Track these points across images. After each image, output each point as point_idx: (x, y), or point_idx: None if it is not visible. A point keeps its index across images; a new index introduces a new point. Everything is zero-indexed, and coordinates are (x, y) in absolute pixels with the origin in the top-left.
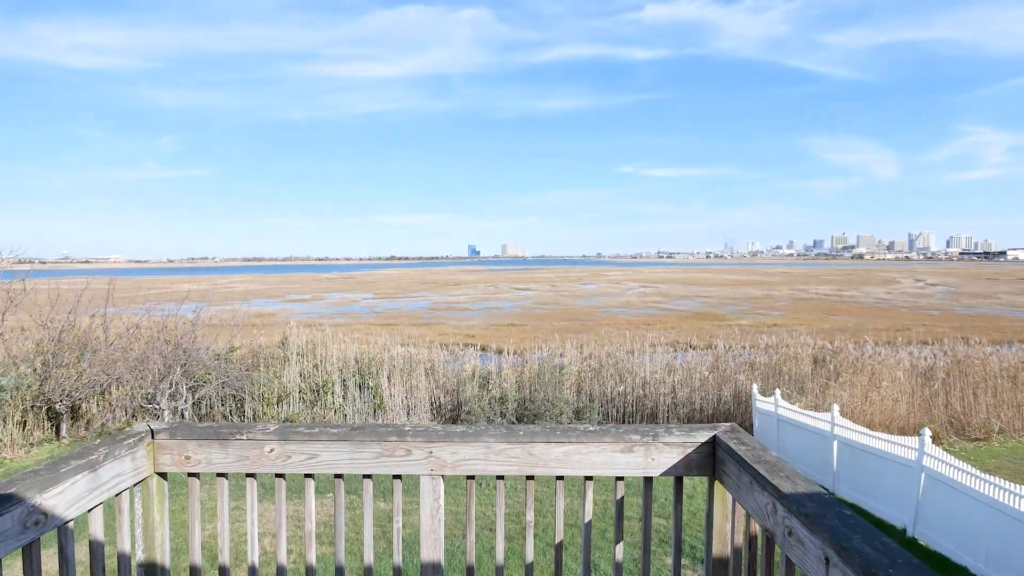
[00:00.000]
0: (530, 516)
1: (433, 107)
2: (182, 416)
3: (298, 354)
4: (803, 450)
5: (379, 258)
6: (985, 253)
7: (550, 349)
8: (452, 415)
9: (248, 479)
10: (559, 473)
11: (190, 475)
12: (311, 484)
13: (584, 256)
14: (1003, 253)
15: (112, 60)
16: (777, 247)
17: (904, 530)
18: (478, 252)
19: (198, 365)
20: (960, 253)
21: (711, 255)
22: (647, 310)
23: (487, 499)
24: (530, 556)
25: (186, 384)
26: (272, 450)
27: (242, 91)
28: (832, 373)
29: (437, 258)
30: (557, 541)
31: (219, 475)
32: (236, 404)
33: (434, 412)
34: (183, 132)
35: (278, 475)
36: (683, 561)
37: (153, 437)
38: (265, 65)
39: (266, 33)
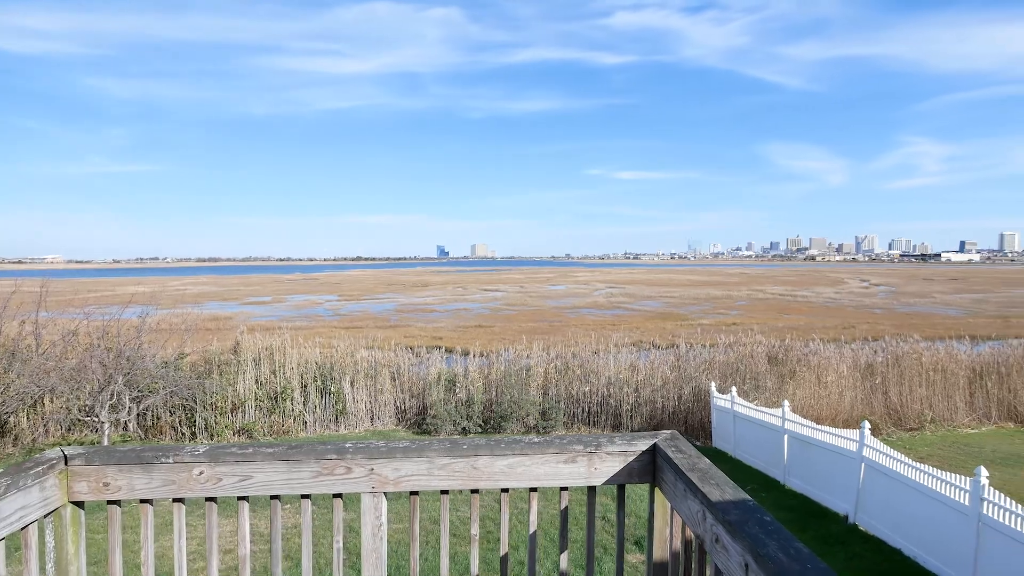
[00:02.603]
0: (475, 530)
1: (402, 105)
2: (125, 428)
3: (254, 360)
4: (757, 445)
5: (344, 259)
6: (922, 255)
7: (517, 350)
8: (418, 419)
9: (175, 504)
10: (504, 486)
11: (110, 503)
12: (245, 507)
13: (553, 257)
14: (938, 255)
15: (54, 45)
16: (737, 249)
17: (847, 517)
18: (447, 253)
19: (143, 374)
20: (900, 255)
21: (675, 256)
22: (614, 310)
23: (435, 514)
24: (475, 570)
25: (129, 394)
26: (201, 473)
27: (200, 83)
28: (785, 370)
29: (405, 259)
30: (503, 553)
31: (143, 501)
32: (186, 414)
33: (399, 417)
34: (134, 124)
35: (208, 499)
36: (635, 566)
37: (67, 463)
38: (225, 56)
39: (227, 24)
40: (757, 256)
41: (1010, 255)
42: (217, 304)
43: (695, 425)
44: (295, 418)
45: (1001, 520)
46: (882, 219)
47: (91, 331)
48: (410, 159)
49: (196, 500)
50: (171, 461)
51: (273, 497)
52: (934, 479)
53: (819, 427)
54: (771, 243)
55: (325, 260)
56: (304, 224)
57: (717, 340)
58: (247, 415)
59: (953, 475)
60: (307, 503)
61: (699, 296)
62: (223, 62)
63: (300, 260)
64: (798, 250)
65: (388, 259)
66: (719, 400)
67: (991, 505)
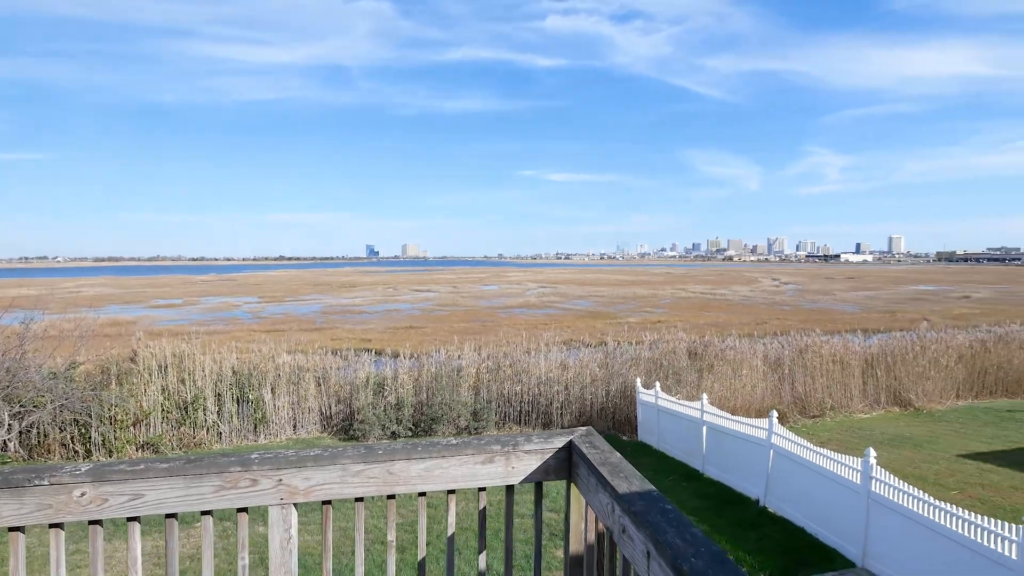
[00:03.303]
0: (392, 536)
1: (329, 99)
2: (4, 448)
3: (160, 367)
4: (680, 436)
5: (266, 258)
6: (824, 256)
7: (449, 351)
8: (344, 425)
9: (52, 531)
10: (421, 489)
11: None
12: (136, 528)
13: (486, 257)
14: (838, 256)
15: None
16: (662, 249)
17: (758, 501)
18: (377, 253)
19: (27, 386)
20: (806, 256)
21: (605, 256)
22: (545, 310)
23: (350, 523)
24: None
25: (9, 410)
26: (84, 494)
27: (97, 64)
28: (704, 365)
29: (332, 259)
30: (420, 558)
31: (12, 529)
32: (80, 430)
33: (324, 423)
34: (14, 107)
35: (92, 522)
36: (559, 561)
37: None
38: (128, 37)
39: (129, 2)
40: (680, 256)
41: (897, 256)
42: (118, 307)
43: (622, 420)
44: (208, 429)
45: (886, 495)
46: (791, 222)
47: None
48: (338, 155)
49: (80, 525)
50: (47, 483)
51: (169, 516)
52: (831, 461)
53: (734, 418)
54: (693, 244)
55: (244, 260)
56: (220, 222)
57: (643, 338)
58: (153, 428)
59: (847, 457)
60: (208, 520)
61: (627, 295)
62: (124, 43)
63: (216, 260)
64: (717, 251)
65: (314, 259)
66: (644, 395)
67: (878, 482)
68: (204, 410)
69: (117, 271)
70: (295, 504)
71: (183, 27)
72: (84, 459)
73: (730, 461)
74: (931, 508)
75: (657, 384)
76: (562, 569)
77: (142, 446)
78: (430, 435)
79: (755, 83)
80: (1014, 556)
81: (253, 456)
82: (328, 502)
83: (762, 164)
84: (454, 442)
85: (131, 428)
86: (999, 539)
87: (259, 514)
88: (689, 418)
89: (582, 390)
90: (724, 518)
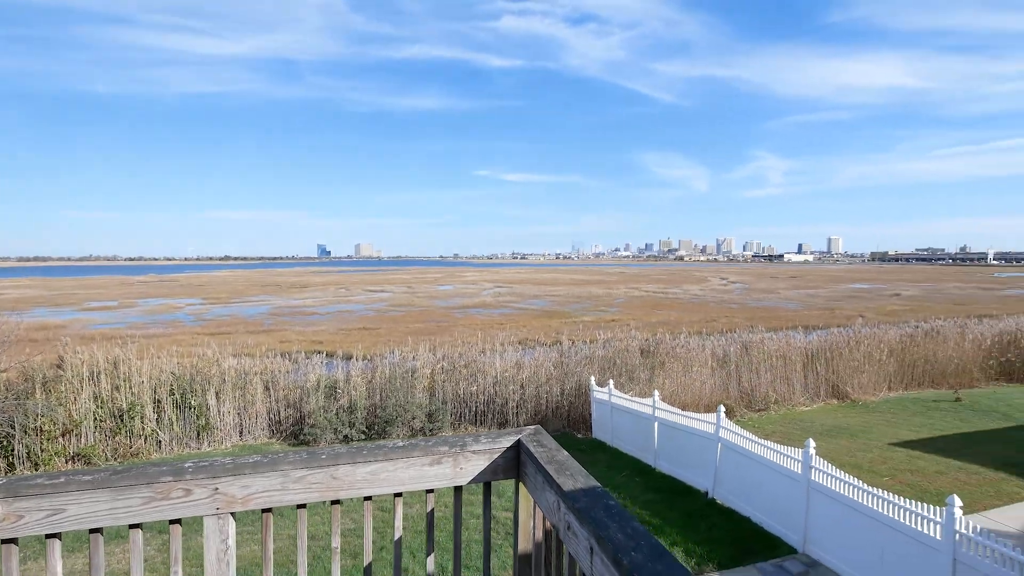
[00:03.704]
0: (336, 542)
1: (278, 94)
2: None
3: (92, 374)
4: (632, 432)
5: (210, 258)
6: (769, 256)
7: (403, 352)
8: (295, 430)
9: None
10: (367, 494)
11: None
12: (56, 546)
13: (442, 257)
14: (781, 256)
15: None
16: (616, 249)
17: (707, 493)
18: (329, 252)
19: None
20: (752, 256)
21: (560, 256)
22: (501, 310)
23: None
24: None
25: None
26: None
27: (16, 50)
28: (656, 362)
29: (281, 258)
30: (367, 563)
31: None
32: (2, 443)
33: (273, 428)
34: None
35: (6, 541)
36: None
37: None
38: (53, 22)
39: None
40: (634, 256)
41: (835, 256)
42: (45, 310)
43: (577, 418)
44: (146, 438)
45: (824, 484)
46: (739, 223)
47: None
48: (288, 152)
49: None
50: None
51: (94, 531)
52: (775, 453)
53: (684, 413)
54: (646, 244)
55: (187, 260)
56: (161, 220)
57: (597, 336)
58: (84, 439)
59: (789, 448)
60: (136, 533)
61: (581, 295)
62: (49, 27)
63: (155, 260)
64: (669, 251)
65: (262, 259)
66: (598, 393)
67: (817, 472)
68: (142, 418)
69: (45, 272)
70: (233, 513)
71: (115, 13)
72: (6, 474)
73: (681, 455)
74: (865, 494)
75: (611, 382)
76: (509, 568)
77: (72, 458)
78: (384, 438)
79: (704, 88)
80: (939, 537)
81: (187, 465)
82: (269, 510)
83: (710, 167)
84: (401, 444)
85: (59, 439)
86: (925, 521)
87: (198, 525)
88: (641, 415)
89: (537, 389)
90: (675, 511)
